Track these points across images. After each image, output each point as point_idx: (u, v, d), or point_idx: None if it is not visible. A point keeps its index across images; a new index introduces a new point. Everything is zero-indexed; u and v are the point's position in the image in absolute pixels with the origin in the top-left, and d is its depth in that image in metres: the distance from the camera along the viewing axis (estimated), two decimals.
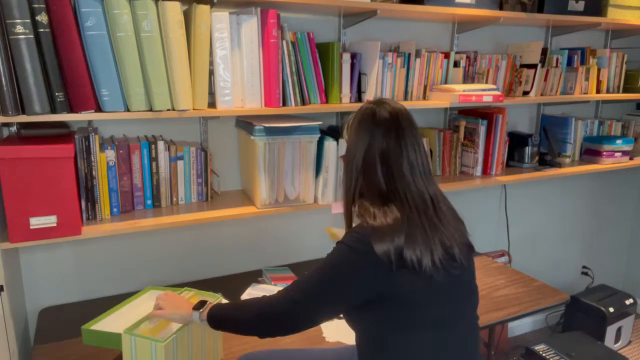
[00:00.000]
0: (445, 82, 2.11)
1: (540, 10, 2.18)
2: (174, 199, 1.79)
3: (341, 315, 1.71)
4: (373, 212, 1.14)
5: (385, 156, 1.17)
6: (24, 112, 1.35)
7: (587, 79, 2.44)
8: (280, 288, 1.80)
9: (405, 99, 2.02)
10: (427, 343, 1.12)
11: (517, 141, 2.42)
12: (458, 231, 1.19)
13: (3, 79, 1.31)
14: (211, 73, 1.62)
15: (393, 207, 1.14)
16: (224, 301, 1.35)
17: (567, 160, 2.59)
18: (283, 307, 1.15)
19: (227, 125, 1.97)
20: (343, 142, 1.32)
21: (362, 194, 1.21)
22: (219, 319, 1.22)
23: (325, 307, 1.14)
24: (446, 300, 1.14)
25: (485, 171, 2.27)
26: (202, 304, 1.27)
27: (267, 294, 1.22)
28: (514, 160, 2.44)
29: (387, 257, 1.07)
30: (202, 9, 1.51)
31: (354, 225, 1.21)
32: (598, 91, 2.52)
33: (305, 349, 1.48)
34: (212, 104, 1.67)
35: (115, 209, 1.66)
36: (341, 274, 1.11)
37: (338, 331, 1.63)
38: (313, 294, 1.13)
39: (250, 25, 1.62)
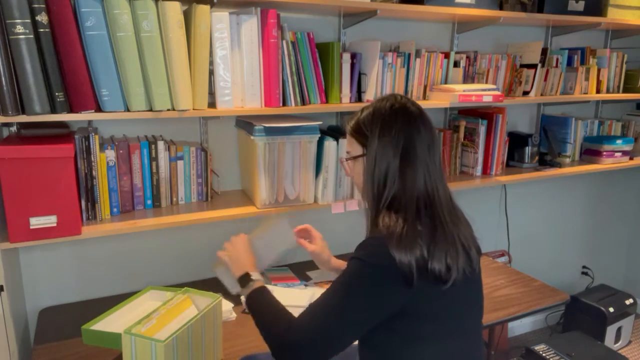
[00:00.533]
0: (445, 82, 2.11)
1: (540, 10, 2.18)
2: (174, 199, 1.78)
3: None
4: (401, 222, 1.05)
5: (428, 151, 1.10)
6: (24, 112, 1.35)
7: (587, 79, 2.44)
8: (281, 287, 1.81)
9: None
10: (439, 354, 1.09)
11: (517, 141, 2.42)
12: (470, 232, 1.17)
13: (3, 79, 1.30)
14: (211, 73, 1.62)
15: (423, 211, 1.08)
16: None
17: (567, 160, 2.59)
18: (297, 339, 1.04)
19: (227, 125, 1.97)
20: (353, 144, 1.18)
21: (394, 199, 1.10)
22: (250, 309, 1.18)
23: (346, 333, 1.05)
24: (463, 309, 1.12)
25: (485, 171, 2.27)
26: (247, 280, 1.24)
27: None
28: (514, 160, 2.44)
29: (409, 268, 1.00)
30: (202, 9, 1.51)
31: None
32: (598, 91, 2.52)
33: None
34: (212, 104, 1.67)
35: (115, 209, 1.66)
36: (360, 293, 1.04)
37: None
38: (329, 321, 1.04)
39: (250, 25, 1.62)
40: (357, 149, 1.17)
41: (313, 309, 1.08)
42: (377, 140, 1.11)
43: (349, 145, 1.21)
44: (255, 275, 1.25)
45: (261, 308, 1.16)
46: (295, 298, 1.69)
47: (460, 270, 1.07)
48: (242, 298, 1.25)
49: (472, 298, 1.17)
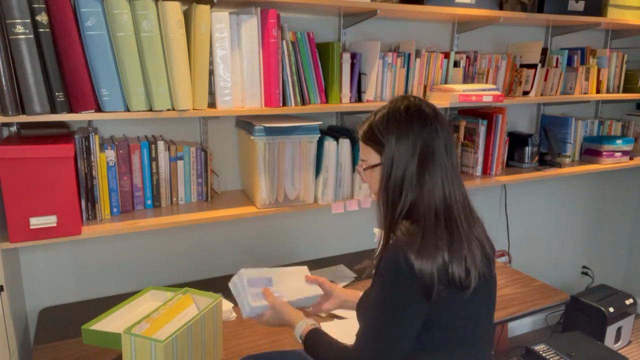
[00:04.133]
0: (445, 82, 2.11)
1: (540, 10, 2.18)
2: (174, 199, 1.78)
3: (342, 316, 1.70)
4: (420, 231, 1.03)
5: (446, 153, 1.07)
6: (24, 112, 1.35)
7: (587, 79, 2.44)
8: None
9: None
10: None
11: (517, 141, 2.42)
12: (484, 231, 1.16)
13: (3, 79, 1.31)
14: (211, 73, 1.62)
15: (441, 219, 1.05)
16: (220, 306, 1.29)
17: (567, 160, 2.59)
18: None
19: (227, 125, 1.97)
20: (368, 151, 1.13)
21: (412, 207, 1.07)
22: (308, 352, 1.19)
23: (401, 342, 1.04)
24: (479, 316, 1.11)
25: (485, 171, 2.27)
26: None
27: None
28: (514, 160, 2.44)
29: (430, 277, 0.99)
30: (202, 9, 1.51)
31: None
32: (598, 91, 2.52)
33: None
34: (212, 104, 1.67)
35: (115, 209, 1.66)
36: (392, 307, 1.03)
37: (338, 332, 1.62)
38: (380, 337, 1.04)
39: (250, 25, 1.62)
40: (374, 157, 1.13)
41: (364, 334, 1.08)
42: (394, 147, 1.07)
43: (363, 152, 1.16)
44: (299, 325, 1.22)
45: (318, 350, 1.16)
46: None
47: (480, 274, 1.05)
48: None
49: (488, 304, 1.16)
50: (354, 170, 1.89)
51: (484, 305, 1.12)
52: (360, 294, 1.39)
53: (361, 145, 1.16)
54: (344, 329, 1.56)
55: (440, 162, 1.07)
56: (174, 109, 1.54)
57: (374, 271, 1.11)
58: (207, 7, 1.52)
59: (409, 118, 1.07)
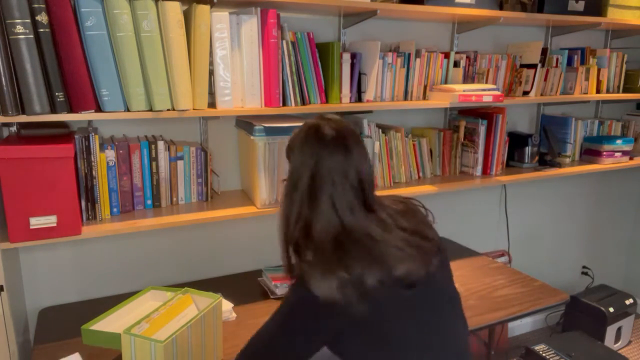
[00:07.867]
0: (445, 82, 2.11)
1: (540, 10, 2.18)
2: (174, 199, 1.79)
3: None
4: (318, 248, 1.06)
5: (332, 174, 1.10)
6: (24, 112, 1.35)
7: (587, 79, 2.44)
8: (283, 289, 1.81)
9: (405, 99, 2.02)
10: None
11: (517, 141, 2.42)
12: (411, 239, 1.11)
13: (3, 79, 1.31)
14: (211, 73, 1.62)
15: (337, 233, 1.08)
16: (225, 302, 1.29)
17: (567, 160, 2.59)
18: None
19: (227, 125, 1.97)
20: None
21: (306, 225, 1.10)
22: None
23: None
24: (413, 319, 1.07)
25: (485, 171, 2.27)
26: None
27: None
28: (514, 160, 2.44)
29: (331, 296, 1.00)
30: (202, 9, 1.51)
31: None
32: (598, 91, 2.52)
33: None
34: (212, 104, 1.67)
35: (115, 209, 1.66)
36: (288, 331, 1.06)
37: None
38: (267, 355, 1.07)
39: (250, 25, 1.63)
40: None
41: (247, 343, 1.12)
42: (294, 160, 1.15)
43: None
44: None
45: None
46: None
47: (384, 281, 1.04)
48: None
49: (436, 303, 1.11)
50: None
51: (427, 305, 1.09)
52: None
53: None
54: None
55: (332, 179, 1.10)
56: (174, 109, 1.54)
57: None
58: (207, 7, 1.52)
59: (307, 135, 1.16)
